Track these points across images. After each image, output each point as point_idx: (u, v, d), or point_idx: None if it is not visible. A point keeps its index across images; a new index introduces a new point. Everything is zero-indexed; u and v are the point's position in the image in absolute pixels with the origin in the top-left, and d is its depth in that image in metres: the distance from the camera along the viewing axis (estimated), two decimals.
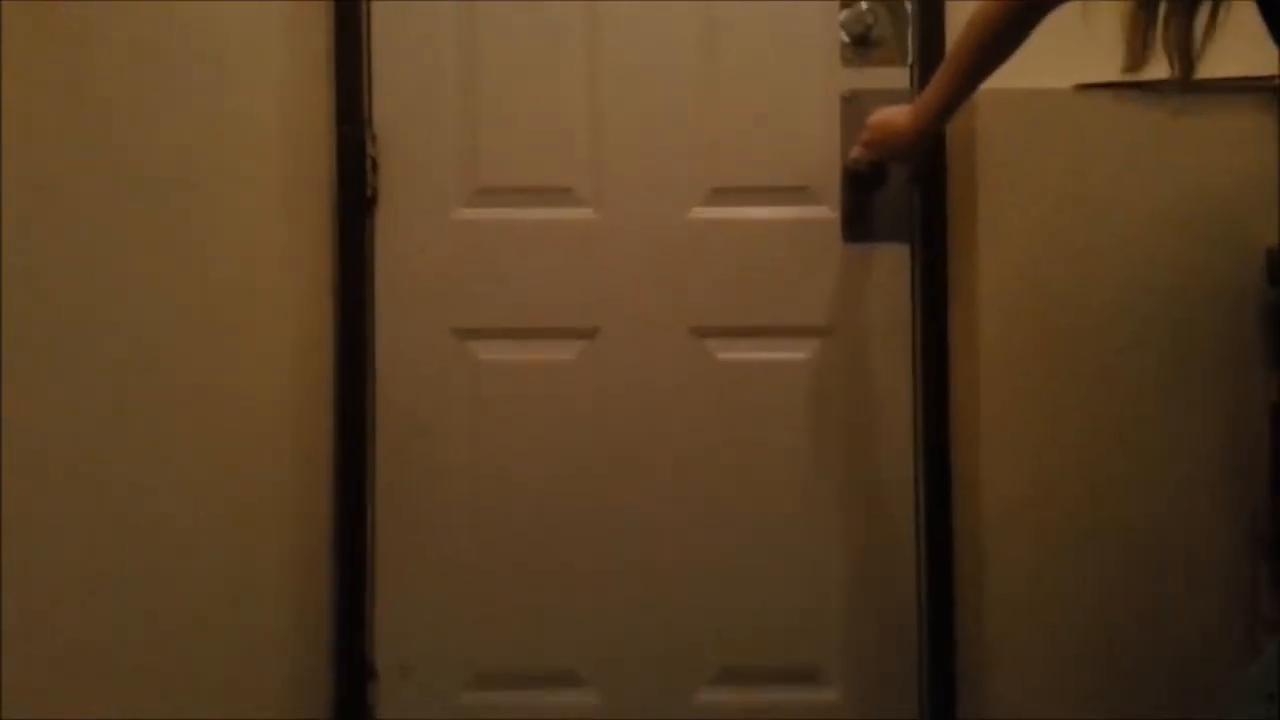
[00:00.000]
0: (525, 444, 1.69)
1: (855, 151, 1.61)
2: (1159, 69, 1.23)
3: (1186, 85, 1.20)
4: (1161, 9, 1.16)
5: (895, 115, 1.50)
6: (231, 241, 1.60)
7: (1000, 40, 1.31)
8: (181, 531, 1.32)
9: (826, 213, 1.69)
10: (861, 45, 1.68)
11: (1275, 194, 1.53)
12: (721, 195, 1.69)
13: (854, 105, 1.66)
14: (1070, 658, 1.62)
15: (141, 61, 1.22)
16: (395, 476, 1.69)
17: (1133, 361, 1.63)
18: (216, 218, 1.58)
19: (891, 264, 1.69)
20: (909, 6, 1.68)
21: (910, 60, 1.68)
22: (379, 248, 1.69)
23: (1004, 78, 1.38)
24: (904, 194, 1.68)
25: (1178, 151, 1.62)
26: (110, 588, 1.12)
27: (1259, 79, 1.54)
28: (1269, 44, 1.11)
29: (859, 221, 1.68)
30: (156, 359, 1.28)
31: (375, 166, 1.68)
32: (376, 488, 1.69)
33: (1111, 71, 1.60)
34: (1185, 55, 1.16)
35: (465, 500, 1.69)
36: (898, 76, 1.68)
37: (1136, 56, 1.18)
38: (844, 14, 1.68)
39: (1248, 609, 1.60)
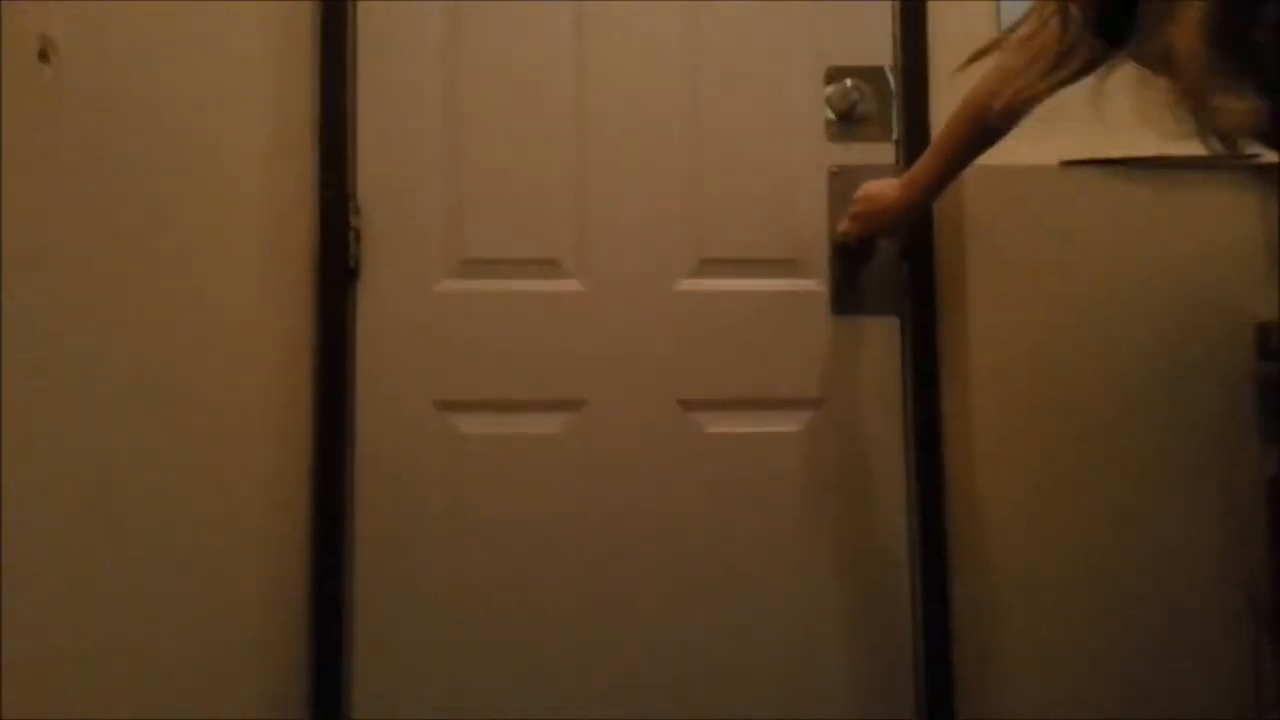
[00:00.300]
0: (509, 518, 1.64)
1: (843, 224, 1.61)
2: (1146, 144, 1.24)
3: (1168, 160, 1.19)
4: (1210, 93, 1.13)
5: (884, 188, 1.51)
6: (211, 312, 1.57)
7: (991, 131, 1.31)
8: (154, 622, 1.27)
9: (815, 285, 1.68)
10: (847, 121, 1.70)
11: (1260, 269, 1.54)
12: (709, 268, 1.68)
13: (841, 180, 1.67)
14: None
15: (119, 128, 1.20)
16: (376, 551, 1.63)
17: (1125, 435, 1.63)
18: (196, 288, 1.55)
19: (881, 337, 1.68)
20: (893, 83, 1.70)
21: (895, 136, 1.69)
22: (361, 319, 1.66)
23: (990, 153, 1.39)
24: (893, 267, 1.68)
25: (1162, 227, 1.64)
26: (82, 649, 1.07)
27: (1241, 156, 1.56)
28: None
29: (848, 294, 1.68)
30: (131, 429, 1.24)
31: (358, 237, 1.66)
32: (356, 564, 1.63)
33: (1096, 147, 1.63)
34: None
35: (448, 576, 1.63)
36: (884, 152, 1.69)
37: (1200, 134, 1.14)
38: (829, 90, 1.70)
39: (1249, 681, 1.58)
